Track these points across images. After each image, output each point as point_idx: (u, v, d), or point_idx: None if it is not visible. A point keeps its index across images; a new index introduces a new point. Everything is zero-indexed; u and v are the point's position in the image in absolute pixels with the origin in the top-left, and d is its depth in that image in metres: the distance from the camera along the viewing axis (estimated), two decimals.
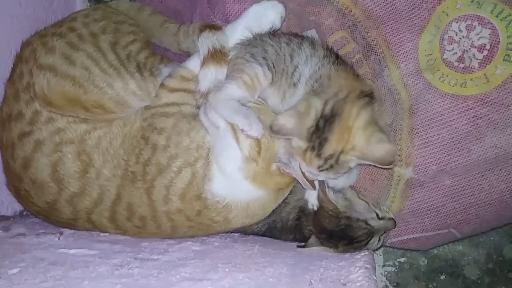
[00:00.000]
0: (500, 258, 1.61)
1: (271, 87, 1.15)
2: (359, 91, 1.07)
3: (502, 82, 1.09)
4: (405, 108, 1.18)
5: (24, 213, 1.44)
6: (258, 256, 1.12)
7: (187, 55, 1.35)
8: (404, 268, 1.66)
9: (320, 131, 1.01)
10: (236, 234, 1.35)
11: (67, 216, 1.20)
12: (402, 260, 1.66)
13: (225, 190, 1.13)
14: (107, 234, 1.21)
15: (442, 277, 1.64)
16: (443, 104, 1.14)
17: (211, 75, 1.16)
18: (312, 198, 1.23)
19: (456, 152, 1.15)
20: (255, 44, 1.18)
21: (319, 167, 1.04)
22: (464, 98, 1.12)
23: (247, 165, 1.10)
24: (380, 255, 1.66)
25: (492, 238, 1.60)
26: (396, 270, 1.66)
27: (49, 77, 1.19)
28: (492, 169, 1.15)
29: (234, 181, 1.12)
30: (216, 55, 1.17)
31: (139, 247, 1.16)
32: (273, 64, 1.14)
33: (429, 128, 1.16)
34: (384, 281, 1.65)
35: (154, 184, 1.14)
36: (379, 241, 1.21)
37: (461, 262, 1.63)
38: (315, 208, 1.21)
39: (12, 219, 1.38)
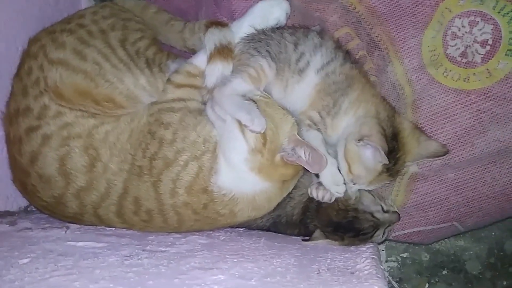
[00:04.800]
0: (502, 253, 1.61)
1: (275, 79, 1.17)
2: (383, 97, 1.15)
3: (505, 77, 1.11)
4: (409, 103, 1.19)
5: (28, 208, 1.44)
6: (265, 249, 1.13)
7: (193, 52, 1.35)
8: (407, 263, 1.65)
9: (394, 152, 1.06)
10: (241, 229, 1.35)
11: (73, 211, 1.19)
12: (404, 255, 1.65)
13: (232, 182, 1.14)
14: (113, 228, 1.21)
15: (444, 272, 1.64)
16: (447, 99, 1.15)
17: (217, 71, 1.16)
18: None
19: (459, 146, 1.16)
20: (258, 38, 1.19)
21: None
22: (467, 93, 1.13)
23: (253, 157, 1.10)
24: (383, 250, 1.65)
25: (493, 233, 1.60)
26: (399, 266, 1.65)
27: (61, 71, 1.19)
28: (494, 162, 1.16)
29: (241, 173, 1.13)
30: (223, 51, 1.18)
31: (146, 240, 1.16)
32: (275, 54, 1.15)
33: (433, 122, 1.17)
34: (387, 277, 1.58)
35: (161, 178, 1.14)
36: (383, 234, 1.21)
37: (463, 257, 1.63)
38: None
39: (17, 214, 1.38)
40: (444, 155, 1.09)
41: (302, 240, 1.24)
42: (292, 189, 1.26)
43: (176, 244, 1.14)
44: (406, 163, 1.10)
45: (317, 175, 1.16)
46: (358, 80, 1.14)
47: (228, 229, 1.32)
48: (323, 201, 1.16)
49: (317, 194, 1.16)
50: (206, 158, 1.15)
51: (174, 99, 1.21)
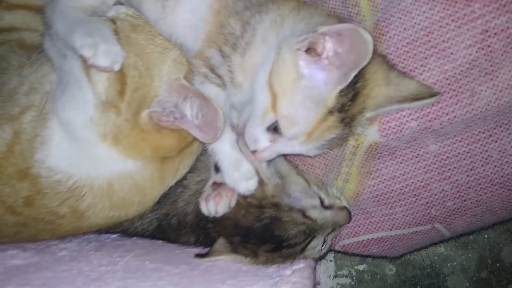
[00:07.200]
0: (497, 264, 1.37)
1: None
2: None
3: None
4: (368, 27, 0.80)
5: None
6: (117, 278, 0.69)
7: None
8: (364, 279, 1.42)
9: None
10: (113, 236, 1.00)
11: None
12: (361, 268, 1.42)
13: (71, 161, 0.82)
14: None
15: None
16: (431, 15, 0.74)
17: None
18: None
19: (450, 98, 0.78)
20: None
21: (328, 141, 0.77)
22: (467, 1, 0.73)
23: (102, 115, 0.78)
24: (331, 261, 1.41)
25: (486, 236, 1.36)
26: (353, 283, 1.42)
27: None
28: (506, 124, 0.78)
29: (85, 145, 0.81)
30: None
31: None
32: None
33: (408, 58, 0.78)
34: None
35: None
36: (324, 244, 0.89)
37: (443, 271, 1.40)
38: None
39: None
40: (431, 97, 0.75)
41: (196, 256, 0.88)
42: (187, 173, 0.94)
43: None
44: (366, 110, 0.75)
45: (217, 168, 0.84)
46: None
47: (92, 235, 0.96)
48: (219, 214, 0.83)
49: (208, 207, 0.83)
50: (27, 118, 0.81)
51: (3, 28, 0.97)
